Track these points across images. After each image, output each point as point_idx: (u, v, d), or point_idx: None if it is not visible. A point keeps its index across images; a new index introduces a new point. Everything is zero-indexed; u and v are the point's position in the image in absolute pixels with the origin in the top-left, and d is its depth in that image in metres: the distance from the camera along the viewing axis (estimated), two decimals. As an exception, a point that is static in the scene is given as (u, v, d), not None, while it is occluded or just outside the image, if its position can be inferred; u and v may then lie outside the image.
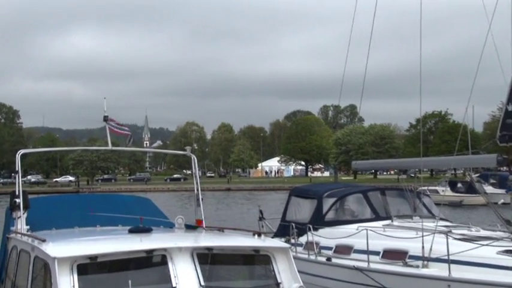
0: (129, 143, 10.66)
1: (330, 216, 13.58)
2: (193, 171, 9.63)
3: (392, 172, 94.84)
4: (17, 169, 8.64)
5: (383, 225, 12.09)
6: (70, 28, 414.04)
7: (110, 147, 10.11)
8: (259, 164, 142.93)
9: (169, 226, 9.07)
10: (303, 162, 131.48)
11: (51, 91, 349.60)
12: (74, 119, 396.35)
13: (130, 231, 7.53)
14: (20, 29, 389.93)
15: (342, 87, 15.42)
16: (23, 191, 8.46)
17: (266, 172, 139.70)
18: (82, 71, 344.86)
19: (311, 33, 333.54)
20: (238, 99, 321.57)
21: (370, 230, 11.01)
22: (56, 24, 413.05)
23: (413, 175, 22.54)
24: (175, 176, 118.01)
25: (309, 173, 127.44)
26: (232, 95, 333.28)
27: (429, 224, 11.19)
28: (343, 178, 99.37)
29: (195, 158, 9.94)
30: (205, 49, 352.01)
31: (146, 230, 7.54)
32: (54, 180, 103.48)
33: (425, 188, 31.97)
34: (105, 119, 9.82)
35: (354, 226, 12.24)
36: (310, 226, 12.91)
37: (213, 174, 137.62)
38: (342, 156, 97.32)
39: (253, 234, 7.10)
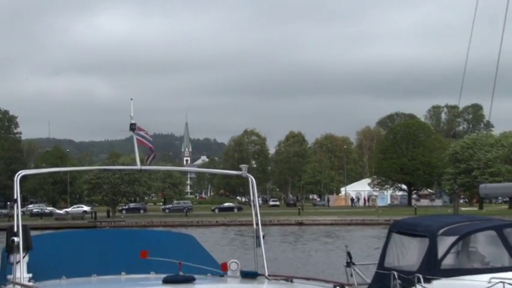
0: (148, 162, 10.66)
1: (449, 262, 13.29)
2: (251, 198, 9.73)
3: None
4: (15, 196, 8.74)
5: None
6: (96, 6, 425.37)
7: (138, 165, 10.21)
8: (343, 189, 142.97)
9: (219, 274, 9.15)
10: (404, 186, 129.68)
11: (63, 90, 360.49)
12: (90, 128, 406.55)
13: (166, 282, 7.61)
14: (32, 9, 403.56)
15: (464, 81, 14.98)
16: (24, 226, 8.55)
17: (352, 199, 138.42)
18: (107, 62, 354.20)
19: (424, 8, 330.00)
20: (315, 99, 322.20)
21: (510, 283, 10.76)
22: (77, 1, 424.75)
23: None
24: (226, 204, 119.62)
25: (413, 201, 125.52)
26: (306, 93, 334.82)
27: None
28: (464, 209, 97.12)
29: (254, 180, 9.99)
30: (273, 32, 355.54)
31: (187, 280, 7.61)
32: (64, 210, 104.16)
33: None
34: (133, 127, 9.97)
35: (485, 277, 11.94)
36: (420, 276, 12.65)
37: (278, 203, 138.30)
38: (461, 178, 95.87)
39: (335, 287, 7.06)
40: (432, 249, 13.35)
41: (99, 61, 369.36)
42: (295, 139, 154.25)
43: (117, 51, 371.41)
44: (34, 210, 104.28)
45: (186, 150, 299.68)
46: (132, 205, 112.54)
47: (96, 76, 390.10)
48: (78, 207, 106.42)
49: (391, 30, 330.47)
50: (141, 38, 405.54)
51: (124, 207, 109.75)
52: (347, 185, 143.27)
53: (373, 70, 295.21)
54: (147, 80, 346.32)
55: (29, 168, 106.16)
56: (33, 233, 8.85)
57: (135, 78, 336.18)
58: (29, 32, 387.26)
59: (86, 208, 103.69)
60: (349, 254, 15.63)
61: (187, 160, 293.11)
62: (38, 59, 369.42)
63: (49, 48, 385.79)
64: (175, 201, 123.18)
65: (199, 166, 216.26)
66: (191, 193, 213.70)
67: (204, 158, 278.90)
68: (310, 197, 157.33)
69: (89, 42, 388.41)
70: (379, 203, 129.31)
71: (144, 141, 10.23)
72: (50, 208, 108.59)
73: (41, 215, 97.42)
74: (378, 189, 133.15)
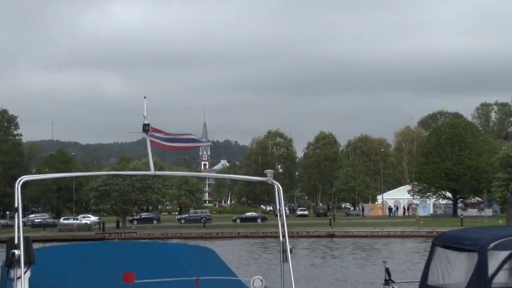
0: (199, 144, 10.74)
1: (500, 279, 13.19)
2: (277, 207, 9.73)
3: None
4: (15, 205, 8.72)
5: None
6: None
7: (152, 170, 10.21)
8: (379, 197, 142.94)
9: (242, 292, 9.17)
10: (448, 194, 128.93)
11: (70, 87, 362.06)
12: (98, 129, 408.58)
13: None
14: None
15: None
16: (25, 238, 8.57)
17: (390, 209, 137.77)
18: (120, 56, 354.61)
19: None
20: (348, 97, 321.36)
21: None
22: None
23: None
24: (248, 214, 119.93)
25: (459, 211, 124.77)
26: (338, 90, 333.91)
27: None
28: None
29: (280, 187, 10.02)
30: (302, 22, 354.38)
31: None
32: (69, 221, 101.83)
33: None
34: (146, 128, 10.02)
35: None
36: (468, 295, 12.63)
37: (306, 212, 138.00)
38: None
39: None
40: (482, 265, 13.23)
41: (110, 54, 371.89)
42: (325, 141, 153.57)
43: (130, 43, 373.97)
44: (36, 220, 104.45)
45: (204, 153, 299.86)
46: (144, 215, 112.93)
47: (107, 71, 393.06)
48: (84, 217, 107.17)
49: (435, 18, 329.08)
50: (157, 28, 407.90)
51: (135, 217, 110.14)
52: (384, 192, 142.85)
53: (414, 64, 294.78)
54: (162, 76, 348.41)
55: (31, 173, 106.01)
56: (35, 245, 8.85)
57: (150, 74, 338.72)
58: (33, 22, 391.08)
59: (93, 218, 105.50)
60: (387, 270, 15.57)
61: (205, 165, 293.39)
62: (43, 52, 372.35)
63: (56, 40, 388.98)
64: (192, 211, 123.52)
65: (218, 171, 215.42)
66: (210, 201, 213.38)
67: (224, 163, 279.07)
68: (343, 205, 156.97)
69: (100, 32, 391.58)
70: (421, 212, 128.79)
71: (161, 143, 10.25)
72: (53, 219, 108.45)
73: (43, 225, 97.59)
74: (418, 197, 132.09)
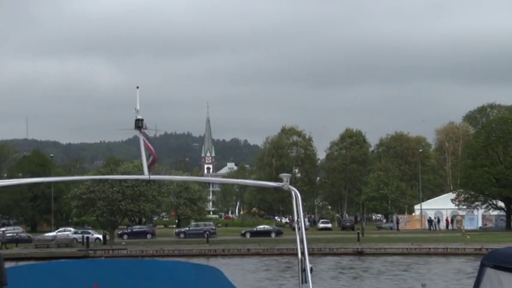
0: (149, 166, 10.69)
1: None
2: (295, 219, 9.87)
3: None
4: None
5: None
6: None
7: (146, 174, 10.44)
8: (417, 206, 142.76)
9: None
10: (501, 203, 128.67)
11: (51, 76, 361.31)
12: (83, 126, 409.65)
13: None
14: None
15: None
16: None
17: (430, 221, 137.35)
18: (111, 40, 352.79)
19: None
20: (380, 88, 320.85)
21: None
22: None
23: None
24: (260, 227, 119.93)
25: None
26: (369, 78, 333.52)
27: None
28: None
29: (298, 194, 10.16)
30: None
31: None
32: (46, 235, 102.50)
33: None
34: (139, 124, 10.24)
35: None
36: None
37: (330, 225, 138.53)
38: None
39: None
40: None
41: (101, 38, 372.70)
42: (352, 140, 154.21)
43: (125, 23, 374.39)
44: (8, 235, 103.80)
45: (208, 154, 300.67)
46: (136, 228, 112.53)
47: (96, 58, 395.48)
48: (64, 230, 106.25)
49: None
50: (156, 5, 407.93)
51: (126, 231, 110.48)
52: (423, 201, 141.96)
53: (460, 47, 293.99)
54: (159, 64, 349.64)
55: (1, 178, 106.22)
56: (7, 264, 8.88)
57: (145, 61, 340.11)
58: (15, 1, 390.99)
59: (75, 232, 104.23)
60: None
61: (209, 168, 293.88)
62: (19, 34, 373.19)
63: (35, 19, 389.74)
64: (193, 223, 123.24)
65: (225, 176, 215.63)
66: (214, 212, 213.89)
67: (231, 166, 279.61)
68: (374, 217, 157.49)
69: (90, 13, 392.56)
70: (467, 225, 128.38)
71: (149, 145, 10.40)
72: (29, 232, 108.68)
73: (16, 241, 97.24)
74: (464, 207, 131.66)
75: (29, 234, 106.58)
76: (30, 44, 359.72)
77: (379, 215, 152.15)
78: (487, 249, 62.63)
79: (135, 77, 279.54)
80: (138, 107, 10.21)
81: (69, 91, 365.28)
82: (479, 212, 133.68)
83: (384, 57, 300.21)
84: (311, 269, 9.29)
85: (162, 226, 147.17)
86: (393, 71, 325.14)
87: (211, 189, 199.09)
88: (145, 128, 10.26)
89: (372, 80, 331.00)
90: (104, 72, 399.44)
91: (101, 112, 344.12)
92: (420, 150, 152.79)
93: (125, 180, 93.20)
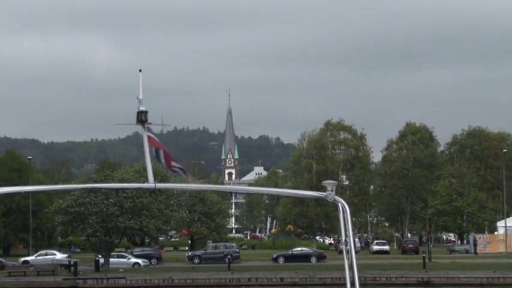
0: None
1: None
2: (343, 239, 10.56)
3: None
4: None
5: None
6: None
7: (151, 181, 11.19)
8: (501, 223, 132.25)
9: None
10: None
11: (31, 56, 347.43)
12: (70, 121, 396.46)
13: None
14: None
15: None
16: None
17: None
18: (110, 11, 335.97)
19: None
20: (452, 70, 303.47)
21: None
22: None
23: None
24: (297, 249, 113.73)
25: None
26: (438, 60, 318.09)
27: None
28: None
29: (347, 207, 10.77)
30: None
31: None
32: (23, 260, 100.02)
33: None
34: (142, 118, 10.47)
35: None
36: None
37: (387, 247, 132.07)
38: None
39: None
40: None
41: (98, 9, 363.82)
42: (416, 137, 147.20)
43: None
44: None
45: (229, 156, 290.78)
46: (137, 250, 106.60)
47: (92, 34, 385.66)
48: (47, 253, 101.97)
49: None
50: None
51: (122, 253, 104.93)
52: (508, 216, 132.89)
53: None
54: (169, 41, 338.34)
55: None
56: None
57: (151, 38, 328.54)
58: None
59: (60, 256, 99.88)
60: None
61: (230, 174, 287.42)
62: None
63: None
64: (210, 244, 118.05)
65: (251, 184, 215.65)
66: (238, 230, 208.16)
67: (259, 171, 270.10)
68: (444, 237, 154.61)
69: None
70: None
71: (157, 139, 10.84)
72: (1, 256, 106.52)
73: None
74: None
75: (1, 259, 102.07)
76: (6, 14, 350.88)
77: (451, 235, 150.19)
78: None
79: (139, 57, 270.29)
80: (141, 96, 10.08)
81: (55, 75, 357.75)
82: None
83: (457, 33, 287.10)
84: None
85: (171, 248, 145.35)
86: (469, 48, 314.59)
87: (233, 200, 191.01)
88: (150, 123, 10.42)
89: (442, 62, 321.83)
90: (100, 52, 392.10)
91: (94, 101, 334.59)
92: (504, 150, 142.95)
93: (124, 190, 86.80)
